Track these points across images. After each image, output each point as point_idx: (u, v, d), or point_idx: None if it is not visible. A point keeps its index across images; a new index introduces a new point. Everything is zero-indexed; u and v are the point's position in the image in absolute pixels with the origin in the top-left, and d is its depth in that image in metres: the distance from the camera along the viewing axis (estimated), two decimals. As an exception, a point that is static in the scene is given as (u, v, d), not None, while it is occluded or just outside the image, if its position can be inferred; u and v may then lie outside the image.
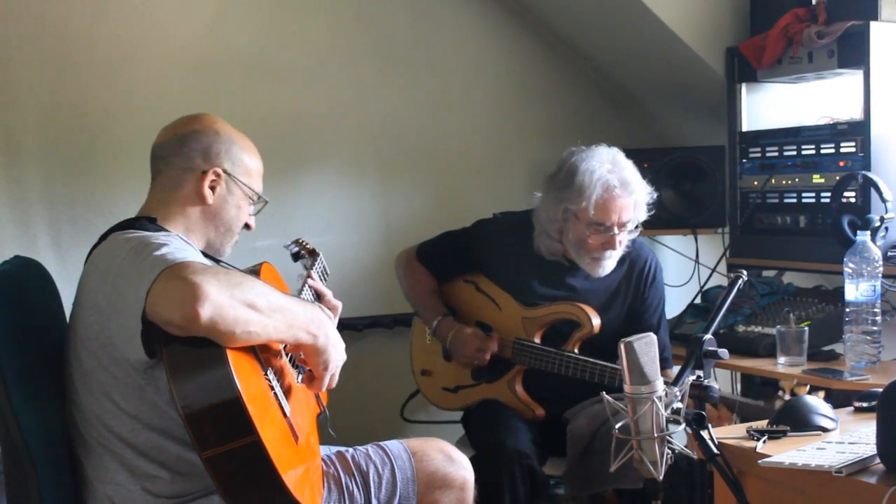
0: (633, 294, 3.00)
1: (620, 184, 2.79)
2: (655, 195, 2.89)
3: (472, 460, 2.76)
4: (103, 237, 2.01)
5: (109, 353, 1.87)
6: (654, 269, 3.02)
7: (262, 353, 1.89)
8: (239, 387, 1.71)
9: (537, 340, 2.92)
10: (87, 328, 1.91)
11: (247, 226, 2.21)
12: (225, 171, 2.10)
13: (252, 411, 1.71)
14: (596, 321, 2.86)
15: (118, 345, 1.84)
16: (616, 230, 2.82)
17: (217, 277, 1.73)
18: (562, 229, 2.88)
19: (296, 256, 2.52)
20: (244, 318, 1.75)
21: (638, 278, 2.99)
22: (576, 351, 2.86)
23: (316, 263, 2.45)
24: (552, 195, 2.87)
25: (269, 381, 1.88)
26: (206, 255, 2.10)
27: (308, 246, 2.52)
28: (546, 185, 2.92)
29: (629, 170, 2.84)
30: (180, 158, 2.09)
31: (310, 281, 2.35)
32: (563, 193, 2.83)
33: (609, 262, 2.87)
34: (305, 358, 1.98)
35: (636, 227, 2.89)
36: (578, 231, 2.84)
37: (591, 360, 2.79)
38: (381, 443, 2.29)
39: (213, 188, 2.10)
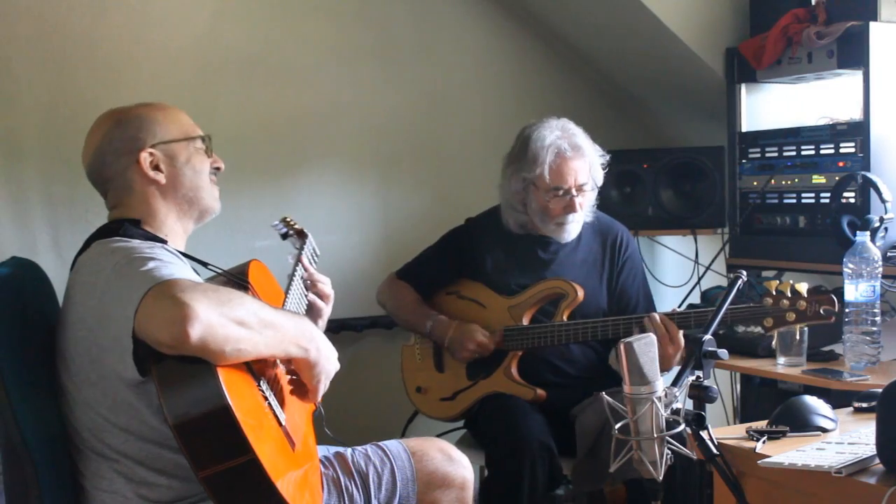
0: (610, 265, 3.07)
1: (571, 147, 2.92)
2: (608, 156, 3.00)
3: (491, 454, 2.78)
4: (87, 244, 1.98)
5: (98, 370, 1.86)
6: (627, 240, 3.12)
7: (254, 364, 1.87)
8: (232, 405, 1.68)
9: (526, 323, 2.97)
10: (75, 344, 1.89)
11: (217, 169, 2.14)
12: (154, 145, 2.04)
13: (246, 428, 1.68)
14: (580, 290, 2.94)
15: (109, 361, 1.82)
16: (574, 192, 2.92)
17: (206, 295, 1.70)
18: (524, 200, 2.99)
19: (284, 236, 2.45)
20: (234, 336, 1.73)
21: (612, 250, 3.08)
22: (565, 320, 2.92)
23: (305, 245, 2.38)
24: (510, 169, 3.00)
25: (263, 391, 1.86)
26: (192, 258, 2.06)
27: (296, 226, 2.45)
28: (505, 163, 3.05)
29: (579, 135, 2.97)
30: (111, 167, 2.05)
31: (301, 272, 2.29)
32: (518, 165, 2.96)
33: (573, 226, 2.98)
34: (297, 371, 1.95)
35: (594, 188, 2.99)
36: (539, 199, 2.94)
37: (580, 321, 2.88)
38: (380, 443, 2.29)
39: (157, 167, 2.05)
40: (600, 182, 3.00)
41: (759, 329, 3.03)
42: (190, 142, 2.09)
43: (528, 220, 3.03)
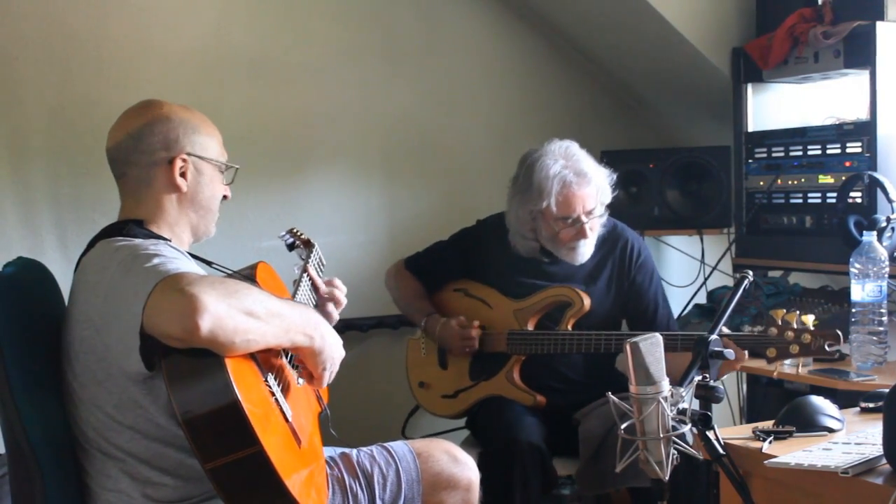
0: (619, 274, 3.03)
1: (576, 175, 2.86)
2: (615, 175, 2.96)
3: (483, 456, 2.78)
4: (91, 244, 1.99)
5: (105, 368, 1.86)
6: (638, 248, 3.05)
7: (261, 357, 1.88)
8: (239, 396, 1.69)
9: (531, 328, 2.95)
10: (81, 342, 1.90)
11: (225, 197, 2.16)
12: (189, 154, 2.05)
13: (253, 420, 1.69)
14: (587, 299, 2.91)
15: (115, 358, 1.83)
16: (584, 219, 2.88)
17: (213, 287, 1.71)
18: (533, 228, 2.95)
19: (290, 247, 2.45)
20: (243, 326, 1.74)
21: (622, 258, 3.03)
22: (569, 329, 2.90)
23: (311, 254, 2.39)
24: (516, 199, 2.96)
25: (269, 385, 1.87)
26: (198, 258, 2.08)
27: (303, 236, 2.45)
28: (510, 191, 3.00)
29: (584, 160, 2.91)
30: (142, 155, 2.04)
31: (307, 280, 2.30)
32: (524, 196, 2.92)
33: (585, 249, 2.94)
34: (303, 359, 1.96)
35: (604, 210, 2.95)
36: (549, 228, 2.91)
37: (585, 332, 2.86)
38: (385, 444, 2.29)
39: (183, 174, 2.05)
40: (608, 201, 2.96)
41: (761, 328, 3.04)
42: (219, 165, 2.12)
43: (536, 246, 2.99)
